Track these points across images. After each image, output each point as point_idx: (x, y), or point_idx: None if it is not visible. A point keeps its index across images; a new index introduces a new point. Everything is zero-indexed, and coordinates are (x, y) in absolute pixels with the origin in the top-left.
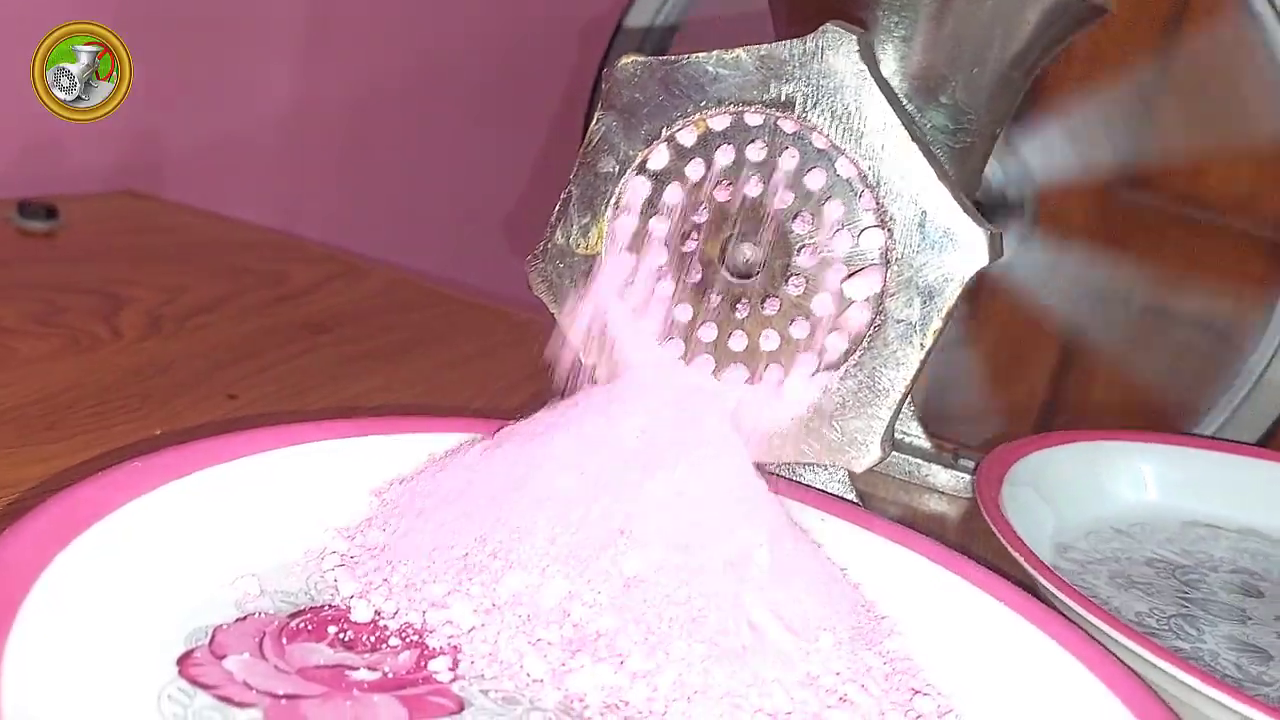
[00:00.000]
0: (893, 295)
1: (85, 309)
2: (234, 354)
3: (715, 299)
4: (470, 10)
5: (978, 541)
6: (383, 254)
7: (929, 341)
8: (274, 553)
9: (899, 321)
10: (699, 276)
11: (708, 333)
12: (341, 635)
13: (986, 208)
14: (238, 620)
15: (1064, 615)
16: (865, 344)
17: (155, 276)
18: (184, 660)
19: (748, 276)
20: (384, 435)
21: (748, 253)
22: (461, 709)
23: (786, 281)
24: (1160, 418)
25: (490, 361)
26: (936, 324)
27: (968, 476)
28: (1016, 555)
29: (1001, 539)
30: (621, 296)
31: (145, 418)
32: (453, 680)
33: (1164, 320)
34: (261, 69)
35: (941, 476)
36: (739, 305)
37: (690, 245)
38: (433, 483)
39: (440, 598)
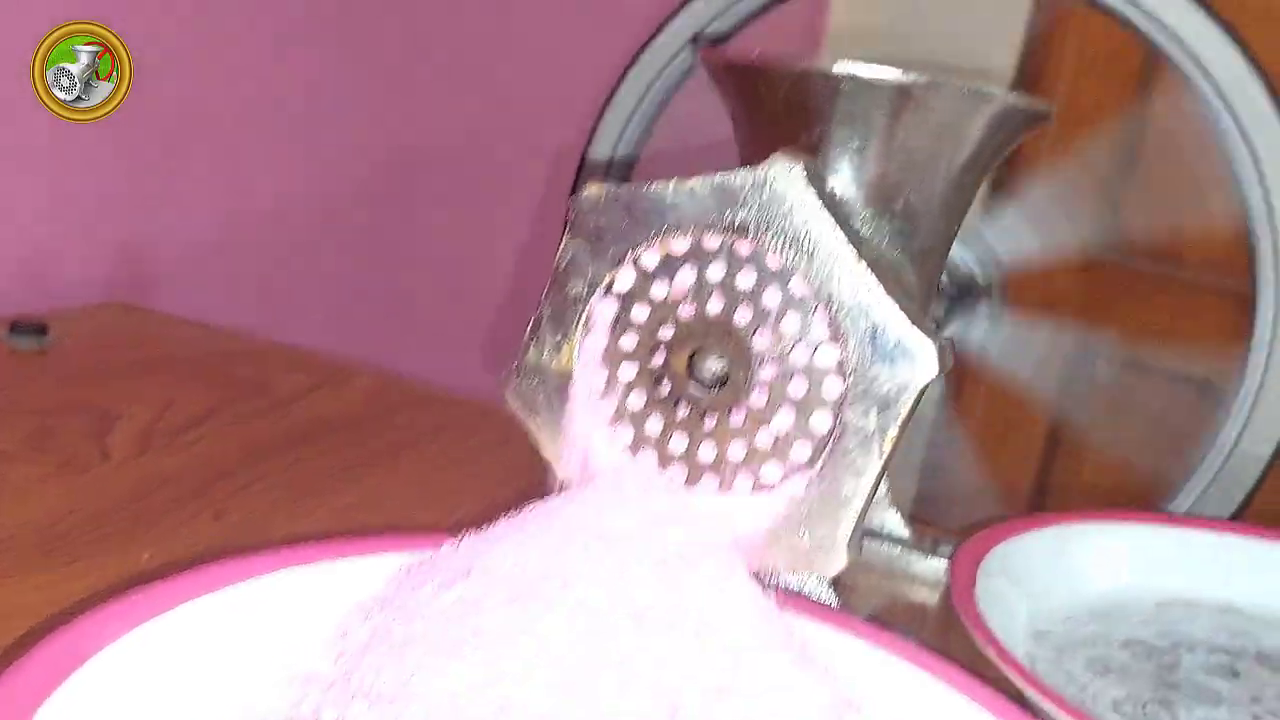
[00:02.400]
0: (851, 405)
1: (76, 430)
2: (223, 469)
3: (684, 411)
4: (449, 131)
5: (957, 632)
6: (370, 356)
7: (887, 449)
8: (254, 686)
9: (857, 431)
10: (668, 389)
11: (678, 443)
12: None
13: (956, 290)
14: None
15: (1036, 713)
16: (827, 453)
17: (145, 392)
18: None
19: (714, 389)
20: (358, 557)
21: (713, 366)
22: None
23: (750, 393)
24: (1144, 493)
25: (480, 460)
26: (893, 432)
27: (947, 564)
28: (988, 651)
29: (974, 634)
30: (594, 410)
31: (136, 540)
32: None
33: (1143, 385)
34: (244, 175)
35: (921, 565)
36: (707, 417)
37: (658, 359)
38: (410, 606)
39: None
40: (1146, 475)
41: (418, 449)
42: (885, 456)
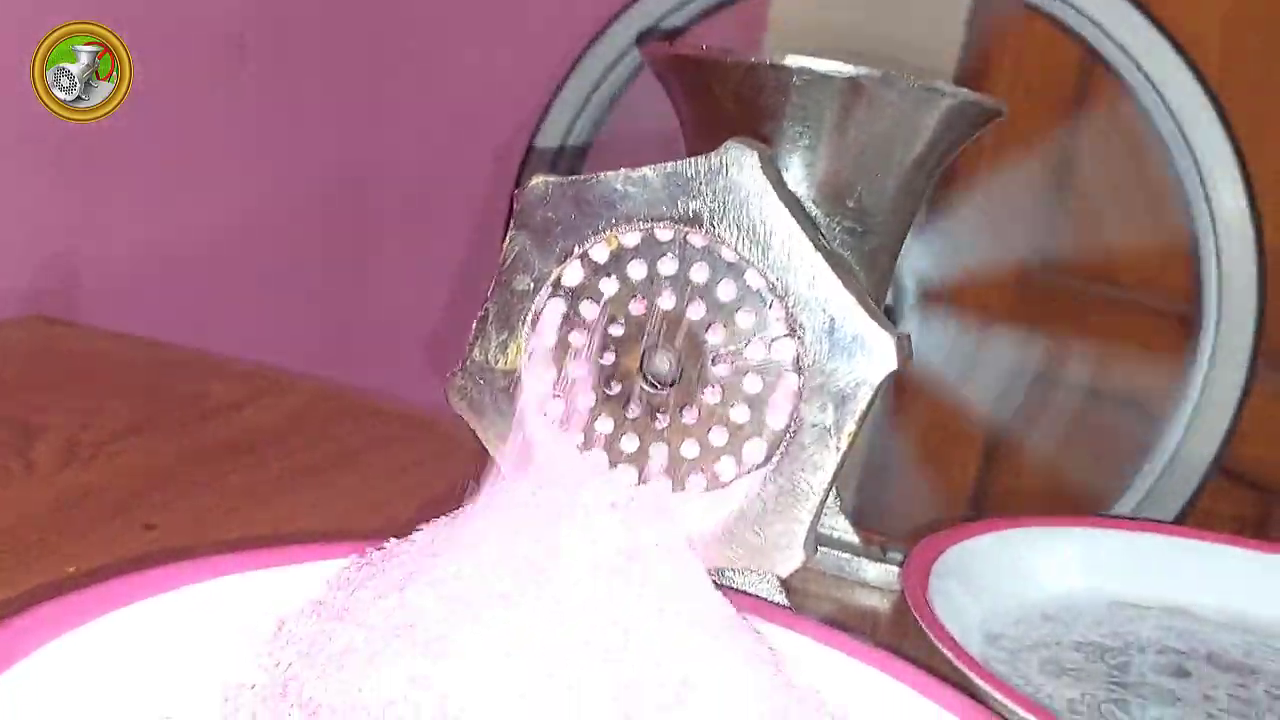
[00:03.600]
0: (807, 401)
1: None
2: (153, 480)
3: (635, 409)
4: (385, 131)
5: (910, 635)
6: (311, 366)
7: (844, 445)
8: (191, 693)
9: (814, 426)
10: (618, 388)
11: (629, 443)
12: None
13: (902, 294)
14: None
15: (993, 710)
16: (783, 449)
17: (70, 403)
18: None
19: (667, 386)
20: (294, 564)
21: (664, 364)
22: None
23: (703, 390)
24: (1083, 498)
25: (420, 472)
26: (851, 428)
27: (897, 569)
28: (945, 651)
29: (930, 635)
30: (542, 410)
31: (59, 553)
32: None
33: (1084, 400)
34: (176, 185)
35: (871, 571)
36: (659, 415)
37: (608, 358)
38: (348, 613)
39: None
40: (1084, 486)
41: (357, 460)
42: (843, 452)
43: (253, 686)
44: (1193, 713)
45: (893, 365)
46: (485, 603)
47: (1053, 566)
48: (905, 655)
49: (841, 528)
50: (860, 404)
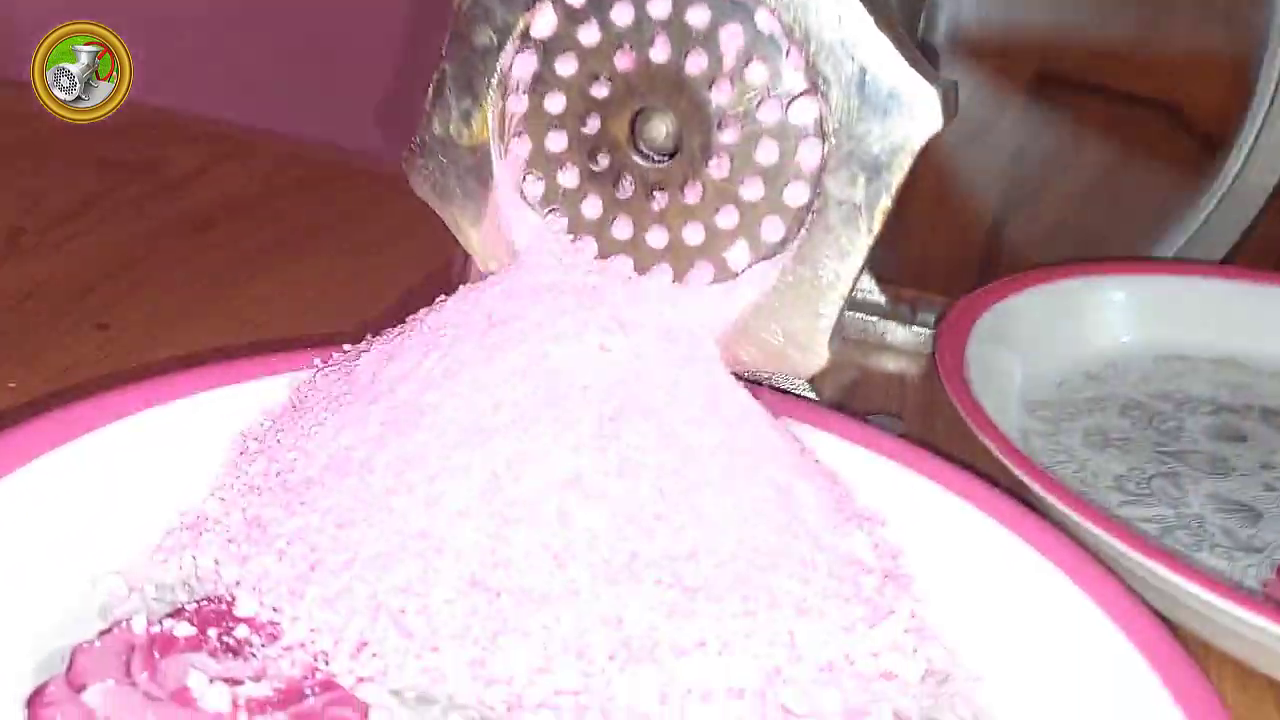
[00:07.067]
0: (832, 173)
1: None
2: (105, 269)
3: (628, 188)
4: None
5: (942, 406)
6: (268, 124)
7: (877, 225)
8: (141, 539)
9: (841, 203)
10: (606, 162)
11: (623, 229)
12: (224, 638)
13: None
14: (102, 634)
15: (1033, 507)
16: (804, 231)
17: (11, 179)
18: (35, 700)
19: (664, 159)
20: (252, 381)
21: (661, 130)
22: (367, 718)
23: (708, 162)
24: (1119, 237)
25: (399, 246)
26: (885, 203)
27: (928, 332)
28: (981, 436)
29: (968, 420)
30: (518, 192)
31: (3, 360)
32: (356, 682)
33: (1126, 109)
34: None
35: (900, 334)
36: (656, 194)
37: (592, 125)
38: (315, 425)
39: (337, 582)
40: (1119, 222)
41: (329, 232)
42: (875, 234)
43: (211, 528)
44: (1249, 484)
45: (938, 125)
46: (463, 434)
47: (1097, 320)
48: (934, 435)
49: (866, 286)
50: (896, 175)
